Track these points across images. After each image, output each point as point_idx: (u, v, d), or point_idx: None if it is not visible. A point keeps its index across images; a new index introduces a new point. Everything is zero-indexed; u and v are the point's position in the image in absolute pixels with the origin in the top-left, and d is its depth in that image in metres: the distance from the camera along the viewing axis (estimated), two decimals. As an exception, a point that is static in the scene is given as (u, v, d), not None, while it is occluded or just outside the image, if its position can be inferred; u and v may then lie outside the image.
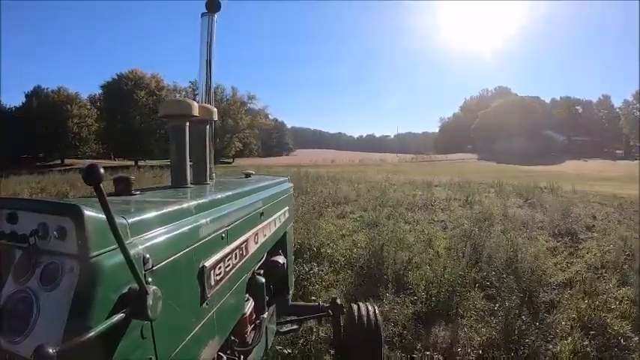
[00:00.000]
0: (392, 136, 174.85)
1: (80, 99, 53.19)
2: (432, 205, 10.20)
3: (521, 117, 65.63)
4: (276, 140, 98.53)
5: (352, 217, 8.44)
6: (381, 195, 11.92)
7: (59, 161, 50.94)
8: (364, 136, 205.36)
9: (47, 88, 52.95)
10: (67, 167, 40.82)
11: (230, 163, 48.76)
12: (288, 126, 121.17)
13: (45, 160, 51.77)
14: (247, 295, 1.87)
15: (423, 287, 4.27)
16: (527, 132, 65.41)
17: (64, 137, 49.54)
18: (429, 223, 8.20)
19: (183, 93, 52.19)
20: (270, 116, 66.10)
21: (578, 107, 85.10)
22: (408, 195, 12.16)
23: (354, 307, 2.75)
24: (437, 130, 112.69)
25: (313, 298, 4.22)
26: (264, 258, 2.19)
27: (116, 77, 48.17)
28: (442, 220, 8.47)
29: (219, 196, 1.55)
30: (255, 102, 54.23)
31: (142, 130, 45.24)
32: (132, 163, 43.99)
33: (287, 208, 2.69)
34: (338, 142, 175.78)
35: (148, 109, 46.33)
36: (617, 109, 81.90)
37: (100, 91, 50.55)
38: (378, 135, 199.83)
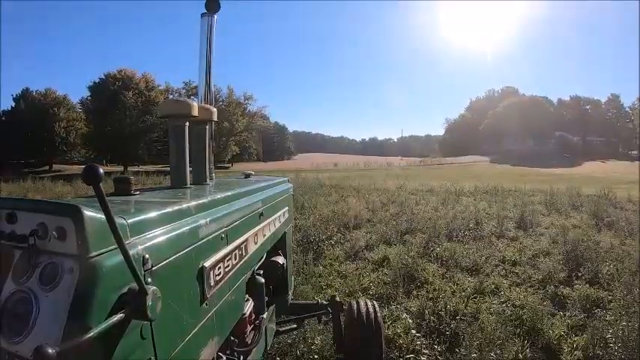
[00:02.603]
0: (395, 140, 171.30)
1: (69, 101, 50.36)
2: (480, 228, 7.13)
3: (532, 117, 62.44)
4: (277, 144, 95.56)
5: (370, 259, 5.35)
6: (402, 211, 8.88)
7: (47, 167, 48.44)
8: (367, 139, 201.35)
9: (36, 91, 50.47)
10: (54, 174, 38.67)
11: (227, 168, 45.82)
12: (290, 130, 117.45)
13: (35, 165, 49.39)
14: (247, 296, 1.82)
15: None
16: (539, 133, 62.30)
17: (51, 142, 46.70)
18: (496, 267, 5.15)
19: (177, 94, 49.40)
20: (270, 118, 62.98)
21: (587, 107, 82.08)
22: (437, 211, 9.10)
23: (354, 304, 2.62)
24: (441, 133, 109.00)
25: None
26: (263, 258, 2.14)
27: (103, 77, 45.08)
28: (514, 262, 5.38)
29: (219, 197, 1.52)
30: (252, 102, 50.96)
31: (130, 134, 42.06)
32: (122, 168, 41.41)
33: (287, 208, 2.61)
34: (340, 145, 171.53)
35: (138, 111, 43.26)
36: (628, 109, 78.96)
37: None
38: (380, 138, 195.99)
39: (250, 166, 49.04)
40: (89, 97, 46.47)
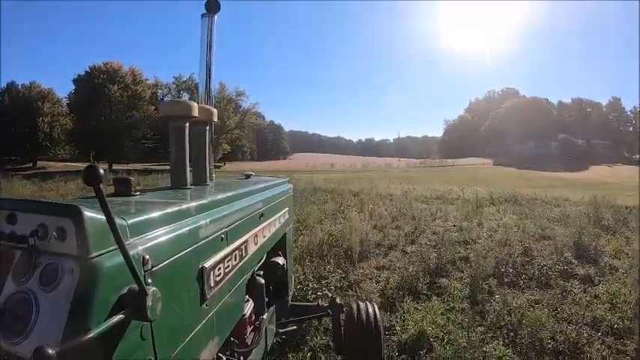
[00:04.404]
0: (391, 140, 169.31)
1: (54, 95, 47.90)
2: (532, 263, 5.09)
3: (534, 119, 60.87)
4: (272, 143, 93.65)
5: (394, 338, 3.17)
6: (418, 228, 6.86)
7: (31, 164, 46.12)
8: (363, 140, 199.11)
9: (22, 84, 48.02)
10: (35, 171, 36.68)
11: (219, 167, 43.66)
12: (286, 129, 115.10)
13: (20, 162, 47.13)
14: (247, 296, 1.80)
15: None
16: (542, 135, 60.65)
17: (34, 137, 44.33)
18: (592, 340, 3.12)
19: (166, 89, 47.08)
20: (265, 117, 60.69)
21: (589, 109, 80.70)
22: (464, 229, 7.06)
23: (354, 306, 2.55)
24: (438, 134, 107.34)
25: None
26: (263, 259, 2.11)
27: (89, 70, 42.39)
28: (614, 329, 3.34)
29: (219, 197, 1.51)
30: (244, 99, 48.18)
31: (115, 130, 39.64)
32: (106, 166, 39.16)
33: (287, 209, 2.59)
34: (337, 146, 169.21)
35: (123, 106, 40.78)
36: (629, 112, 77.69)
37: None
38: (377, 139, 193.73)
39: (243, 165, 46.97)
40: (73, 91, 44.00)
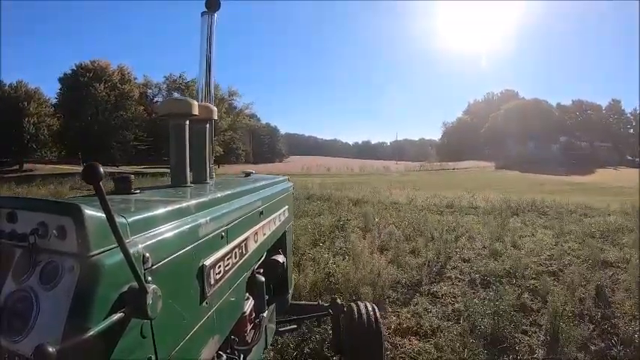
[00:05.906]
0: (388, 143, 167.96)
1: (40, 95, 46.27)
2: (614, 311, 3.60)
3: (535, 121, 59.72)
4: (268, 146, 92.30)
5: None
6: (441, 251, 5.35)
7: (17, 166, 44.50)
8: (360, 142, 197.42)
9: (9, 84, 46.37)
10: (21, 174, 35.11)
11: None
12: (282, 132, 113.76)
13: (9, 164, 45.58)
14: (247, 294, 1.79)
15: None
16: (542, 137, 59.50)
17: (19, 139, 42.69)
18: None
19: (157, 89, 45.48)
20: (260, 119, 59.08)
21: (589, 111, 79.80)
22: (499, 253, 5.55)
23: (354, 306, 2.53)
24: (435, 136, 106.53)
25: None
26: (263, 257, 2.10)
27: (75, 68, 40.71)
28: None
29: (219, 195, 1.50)
30: (237, 99, 46.38)
31: (102, 131, 37.92)
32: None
33: (287, 207, 2.55)
34: (333, 148, 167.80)
35: (110, 106, 39.13)
36: (629, 114, 76.87)
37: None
38: (374, 142, 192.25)
39: (238, 168, 45.22)
40: (60, 90, 42.38)
